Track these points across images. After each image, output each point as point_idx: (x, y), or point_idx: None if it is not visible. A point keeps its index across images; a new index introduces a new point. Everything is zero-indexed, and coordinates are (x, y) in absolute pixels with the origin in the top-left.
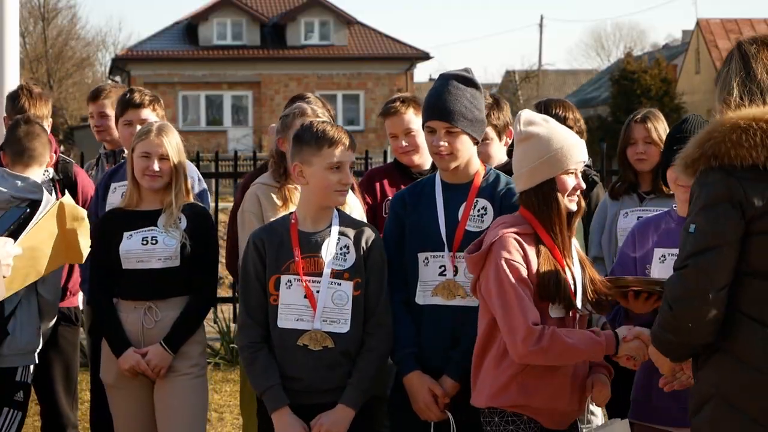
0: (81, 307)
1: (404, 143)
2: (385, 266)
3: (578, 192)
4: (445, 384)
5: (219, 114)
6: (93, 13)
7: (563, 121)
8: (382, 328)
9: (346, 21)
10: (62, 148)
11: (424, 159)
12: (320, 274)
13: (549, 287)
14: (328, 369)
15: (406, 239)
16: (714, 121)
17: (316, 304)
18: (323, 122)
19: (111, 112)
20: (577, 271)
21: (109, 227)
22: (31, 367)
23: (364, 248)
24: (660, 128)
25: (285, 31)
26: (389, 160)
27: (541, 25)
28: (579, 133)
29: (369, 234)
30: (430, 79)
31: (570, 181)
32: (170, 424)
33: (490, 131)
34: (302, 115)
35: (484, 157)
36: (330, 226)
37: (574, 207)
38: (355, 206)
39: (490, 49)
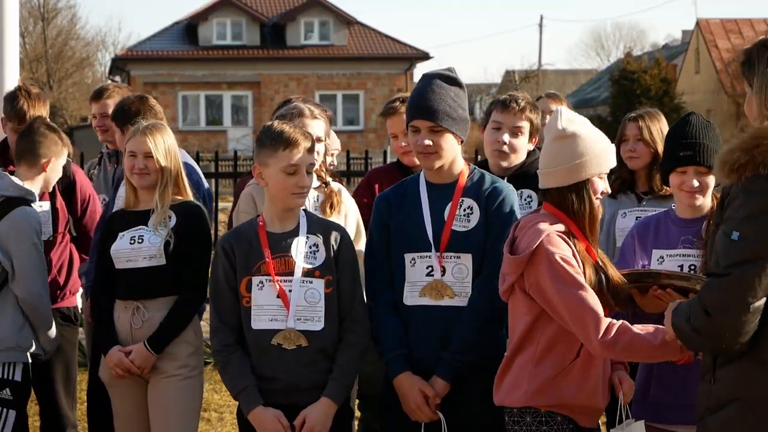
0: (80, 307)
1: (405, 143)
2: (356, 263)
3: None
4: (435, 384)
5: (219, 114)
6: (93, 13)
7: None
8: (360, 323)
9: (346, 21)
10: None
11: None
12: (292, 274)
13: (592, 286)
14: (304, 368)
15: (391, 240)
16: (762, 127)
17: (289, 304)
18: (284, 123)
19: None
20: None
21: (109, 229)
22: (20, 364)
23: (334, 246)
24: (654, 128)
25: (285, 31)
26: (389, 160)
27: (540, 25)
28: None
29: (337, 232)
30: None
31: (601, 184)
32: (160, 426)
33: (526, 126)
34: (300, 116)
35: (511, 148)
36: (298, 225)
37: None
38: (351, 207)
39: (489, 48)
